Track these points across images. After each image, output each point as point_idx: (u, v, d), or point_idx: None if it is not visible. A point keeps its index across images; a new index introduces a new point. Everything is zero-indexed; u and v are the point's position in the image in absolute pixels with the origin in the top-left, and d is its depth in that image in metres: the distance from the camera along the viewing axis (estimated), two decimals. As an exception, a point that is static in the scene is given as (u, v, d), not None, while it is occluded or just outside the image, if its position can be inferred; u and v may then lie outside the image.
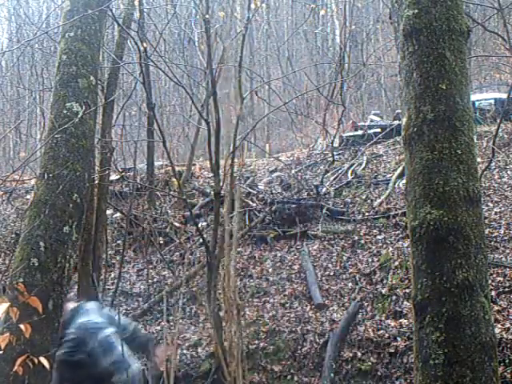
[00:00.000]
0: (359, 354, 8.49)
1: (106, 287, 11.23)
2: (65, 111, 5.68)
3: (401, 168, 13.04)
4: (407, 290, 9.13)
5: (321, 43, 30.50)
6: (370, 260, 10.55)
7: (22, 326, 3.17)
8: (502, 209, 11.06)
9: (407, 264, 9.52)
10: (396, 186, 12.96)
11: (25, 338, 4.17)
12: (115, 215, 13.51)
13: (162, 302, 10.53)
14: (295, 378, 8.53)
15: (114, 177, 14.12)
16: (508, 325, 8.01)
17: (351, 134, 17.42)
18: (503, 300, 8.58)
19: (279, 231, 11.92)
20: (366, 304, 9.41)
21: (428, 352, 3.52)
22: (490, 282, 7.67)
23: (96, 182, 9.77)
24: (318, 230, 11.82)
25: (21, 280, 4.98)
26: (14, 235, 13.34)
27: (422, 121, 3.82)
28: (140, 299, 11.09)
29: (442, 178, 3.70)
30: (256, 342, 9.00)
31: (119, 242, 12.94)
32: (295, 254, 11.27)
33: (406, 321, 8.68)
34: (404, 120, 3.97)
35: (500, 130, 12.42)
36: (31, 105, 23.59)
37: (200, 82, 13.61)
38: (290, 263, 11.04)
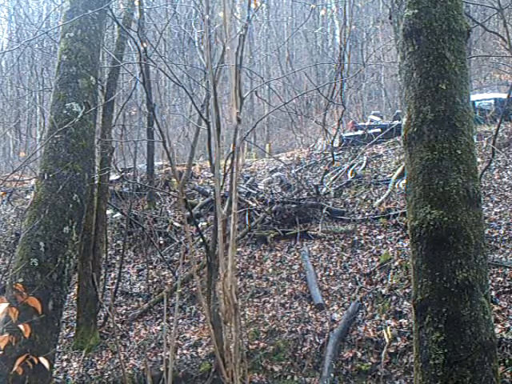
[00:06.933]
0: (359, 354, 8.49)
1: (106, 287, 11.25)
2: (65, 111, 5.69)
3: (401, 168, 13.04)
4: (407, 290, 9.13)
5: (321, 43, 30.51)
6: (370, 260, 10.55)
7: (21, 327, 3.16)
8: (502, 209, 11.06)
9: (407, 264, 9.52)
10: (396, 185, 12.96)
11: (25, 338, 4.18)
12: (115, 215, 13.52)
13: (162, 302, 10.52)
14: (295, 378, 8.53)
15: (114, 177, 14.14)
16: (508, 325, 8.01)
17: (351, 134, 17.43)
18: (503, 300, 8.58)
19: (279, 231, 11.92)
20: (366, 304, 9.41)
21: (428, 352, 3.52)
22: (490, 281, 7.70)
23: (96, 182, 9.78)
24: (318, 230, 11.82)
25: (21, 280, 4.99)
26: (13, 235, 13.35)
27: (422, 121, 3.83)
28: (140, 299, 11.09)
29: (442, 178, 3.70)
30: (256, 341, 8.99)
31: (119, 242, 12.95)
32: (295, 254, 11.27)
33: (405, 321, 8.68)
34: (404, 120, 3.97)
35: (500, 130, 12.42)
36: (31, 105, 23.61)
37: (200, 82, 13.60)
38: (289, 263, 11.03)
